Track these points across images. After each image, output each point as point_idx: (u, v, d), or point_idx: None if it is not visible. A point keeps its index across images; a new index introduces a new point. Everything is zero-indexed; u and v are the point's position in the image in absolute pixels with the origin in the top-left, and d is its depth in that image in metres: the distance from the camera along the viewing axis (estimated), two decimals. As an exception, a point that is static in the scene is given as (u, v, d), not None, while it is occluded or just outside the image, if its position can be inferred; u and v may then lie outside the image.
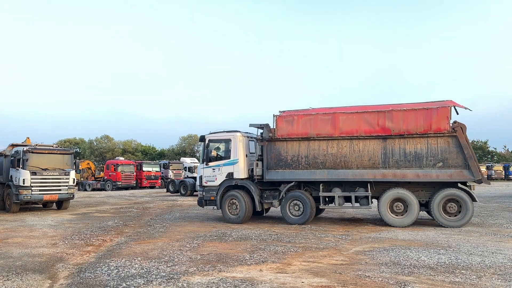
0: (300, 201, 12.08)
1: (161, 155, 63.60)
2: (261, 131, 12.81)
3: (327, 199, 12.22)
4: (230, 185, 12.75)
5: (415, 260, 7.18)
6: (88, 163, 43.78)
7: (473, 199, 10.89)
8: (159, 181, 40.79)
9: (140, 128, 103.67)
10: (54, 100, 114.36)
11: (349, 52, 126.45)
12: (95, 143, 65.35)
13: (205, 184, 13.27)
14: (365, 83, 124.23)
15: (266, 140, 12.51)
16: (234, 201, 12.68)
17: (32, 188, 16.65)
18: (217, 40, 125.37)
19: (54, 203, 18.61)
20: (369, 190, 11.53)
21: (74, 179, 18.00)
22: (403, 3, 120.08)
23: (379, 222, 12.36)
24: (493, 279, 5.94)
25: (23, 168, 16.66)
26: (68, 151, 18.73)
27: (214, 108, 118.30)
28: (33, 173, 16.73)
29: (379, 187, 11.72)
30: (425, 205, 11.53)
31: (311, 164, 12.02)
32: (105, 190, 37.24)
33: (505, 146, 70.54)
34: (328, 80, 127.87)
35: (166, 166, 42.21)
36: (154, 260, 7.43)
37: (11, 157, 17.49)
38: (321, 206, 12.24)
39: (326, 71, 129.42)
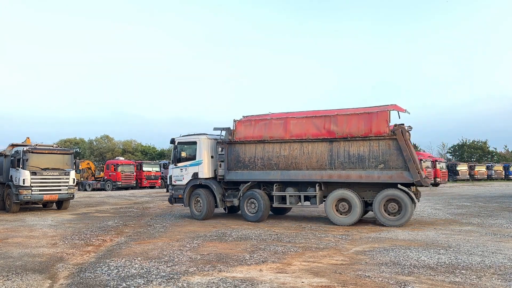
0: (256, 200, 12.80)
1: (161, 155, 63.58)
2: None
3: (281, 198, 12.89)
4: (195, 184, 13.72)
5: (415, 260, 7.19)
6: (88, 163, 43.79)
7: (413, 200, 11.13)
8: (159, 181, 40.79)
9: (140, 128, 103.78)
10: (54, 100, 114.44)
11: (349, 52, 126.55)
12: (95, 143, 65.36)
13: (174, 183, 14.32)
14: (365, 83, 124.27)
15: (227, 143, 13.36)
16: (198, 199, 13.67)
17: (32, 188, 16.66)
18: (217, 41, 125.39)
19: (54, 203, 18.61)
20: (317, 190, 12.10)
21: (74, 179, 18.02)
22: (403, 2, 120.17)
23: (379, 222, 12.38)
24: (493, 279, 5.94)
25: (23, 168, 16.66)
26: (68, 151, 18.74)
27: (214, 108, 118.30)
28: (33, 173, 16.74)
29: (327, 187, 12.25)
30: (370, 205, 11.86)
31: (266, 165, 12.79)
32: (105, 190, 37.26)
33: (505, 146, 70.70)
34: (328, 80, 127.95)
35: (166, 166, 42.21)
36: (154, 260, 7.43)
37: (11, 157, 17.50)
38: (274, 205, 12.96)
39: (328, 70, 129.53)
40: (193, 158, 13.84)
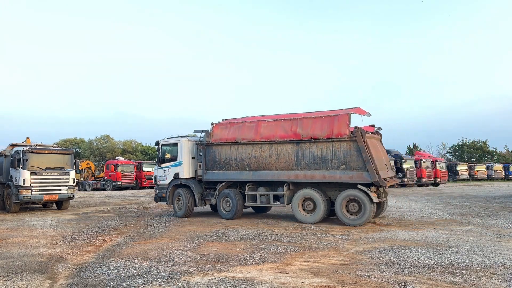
0: (230, 199, 13.52)
1: (161, 155, 63.39)
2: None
3: (253, 197, 13.47)
4: (177, 184, 14.48)
5: (415, 260, 7.18)
6: (88, 163, 43.79)
7: (371, 200, 11.32)
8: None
9: (140, 128, 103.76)
10: (54, 100, 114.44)
11: (349, 53, 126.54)
12: (95, 143, 65.35)
13: (158, 183, 15.22)
14: (365, 83, 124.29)
15: (204, 145, 14.04)
16: (180, 198, 14.44)
17: (32, 188, 16.66)
18: (217, 40, 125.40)
19: (54, 203, 18.62)
20: (285, 190, 12.59)
21: (74, 179, 18.02)
22: (403, 2, 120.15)
23: (379, 222, 12.37)
24: (493, 279, 5.94)
25: (23, 168, 16.66)
26: (68, 151, 18.74)
27: (214, 108, 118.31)
28: (33, 173, 16.74)
29: (295, 187, 12.68)
30: (333, 204, 12.24)
31: (239, 166, 13.38)
32: (105, 190, 37.25)
33: (505, 146, 70.64)
34: (328, 80, 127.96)
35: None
36: (154, 260, 7.43)
37: (11, 157, 17.50)
38: (246, 204, 13.58)
39: (328, 70, 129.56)
40: (175, 159, 14.57)
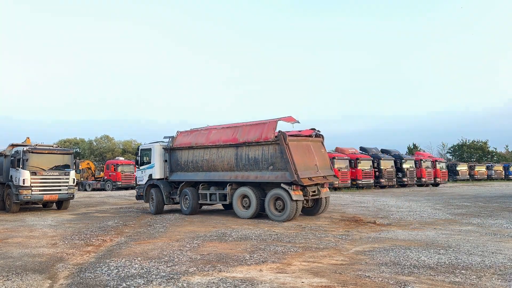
0: (188, 197, 15.09)
1: (161, 155, 63.36)
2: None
3: (204, 195, 14.86)
4: (151, 184, 16.23)
5: (415, 260, 7.18)
6: (88, 163, 43.78)
7: (291, 198, 12.32)
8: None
9: (140, 128, 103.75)
10: (54, 100, 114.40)
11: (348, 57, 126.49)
12: (95, 143, 65.33)
13: (138, 183, 17.22)
14: (365, 84, 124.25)
15: (169, 149, 15.84)
16: (152, 196, 16.06)
17: (32, 188, 16.67)
18: (217, 40, 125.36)
19: (54, 203, 18.62)
20: (228, 189, 13.93)
21: (74, 179, 18.02)
22: (404, 1, 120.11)
23: (379, 222, 12.38)
24: (493, 279, 5.94)
25: (23, 168, 16.66)
26: (68, 151, 18.73)
27: (214, 108, 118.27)
28: (33, 173, 16.74)
29: (236, 186, 13.96)
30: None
31: (195, 167, 15.04)
32: (105, 190, 37.25)
33: (506, 146, 70.62)
34: (328, 80, 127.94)
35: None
36: (154, 260, 7.43)
37: (11, 157, 17.49)
38: (200, 202, 15.01)
39: (328, 69, 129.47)
40: (149, 162, 16.52)
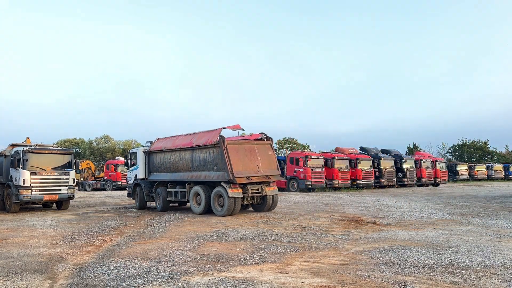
0: (160, 195, 16.91)
1: (161, 155, 63.30)
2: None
3: (171, 194, 16.47)
4: (136, 183, 18.35)
5: (415, 260, 7.18)
6: (88, 163, 43.75)
7: (228, 195, 13.88)
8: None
9: (140, 128, 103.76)
10: (54, 100, 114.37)
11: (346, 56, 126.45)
12: (95, 143, 65.32)
13: (128, 182, 19.63)
14: (364, 83, 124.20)
15: (148, 153, 17.89)
16: (137, 194, 18.28)
17: (32, 188, 16.66)
18: (217, 39, 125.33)
19: (54, 203, 18.61)
20: (187, 188, 15.64)
21: (74, 179, 18.01)
22: (404, 1, 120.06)
23: (379, 222, 12.38)
24: (493, 279, 5.94)
25: (23, 168, 16.66)
26: (68, 151, 18.72)
27: (214, 108, 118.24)
28: (33, 173, 16.73)
29: (193, 185, 15.53)
30: None
31: (165, 169, 16.87)
32: (105, 190, 37.24)
33: (506, 146, 70.58)
34: (326, 79, 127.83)
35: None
36: (154, 260, 7.43)
37: (11, 157, 17.48)
38: (168, 199, 16.64)
39: (326, 69, 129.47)
40: (135, 164, 18.68)
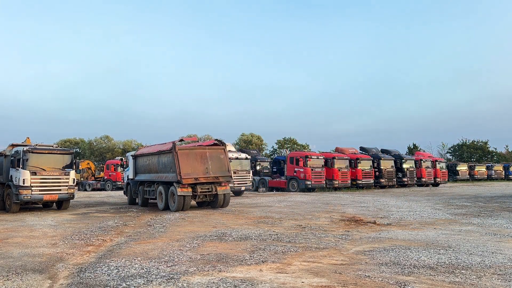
0: (140, 193, 19.73)
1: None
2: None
3: (146, 192, 19.10)
4: (127, 182, 21.51)
5: (415, 260, 7.18)
6: (88, 163, 43.75)
7: (177, 194, 16.15)
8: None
9: (140, 128, 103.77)
10: (54, 100, 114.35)
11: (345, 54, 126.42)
12: (95, 143, 65.32)
13: (124, 181, 23.37)
14: (364, 82, 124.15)
15: (134, 156, 20.60)
16: (128, 191, 21.29)
17: (32, 188, 16.63)
18: (217, 40, 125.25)
19: (54, 203, 18.60)
20: (155, 187, 17.93)
21: (74, 179, 17.99)
22: (402, 1, 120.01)
23: (379, 222, 12.38)
24: (493, 279, 5.94)
25: (23, 168, 16.64)
26: (68, 151, 18.70)
27: (213, 108, 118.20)
28: (33, 173, 16.72)
29: (160, 185, 17.65)
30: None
31: (144, 170, 19.48)
32: (105, 190, 37.23)
33: (506, 146, 70.59)
34: (324, 79, 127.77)
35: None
36: (154, 260, 7.43)
37: (11, 157, 17.47)
38: (145, 196, 19.24)
39: (325, 69, 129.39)
40: (127, 166, 22.07)
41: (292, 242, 9.13)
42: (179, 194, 16.03)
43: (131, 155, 21.00)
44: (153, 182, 18.42)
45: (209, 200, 17.31)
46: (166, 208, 16.97)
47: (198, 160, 16.58)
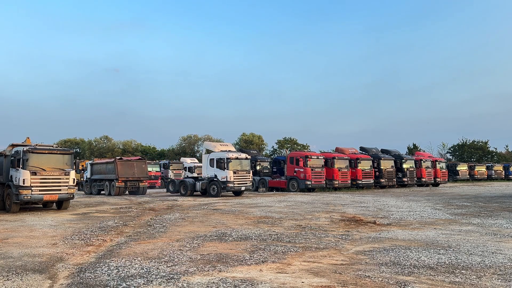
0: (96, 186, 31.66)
1: (161, 155, 63.50)
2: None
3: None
4: (86, 180, 32.53)
5: (415, 260, 7.18)
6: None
7: (115, 186, 28.23)
8: (159, 181, 40.77)
9: (140, 128, 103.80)
10: (54, 100, 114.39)
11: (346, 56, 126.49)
12: (94, 143, 65.30)
13: (84, 180, 34.06)
14: (363, 82, 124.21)
15: (92, 164, 31.81)
16: (88, 186, 33.09)
17: (32, 188, 16.61)
18: (217, 39, 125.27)
19: (54, 203, 18.59)
20: (104, 182, 29.79)
21: (74, 179, 17.98)
22: (402, 2, 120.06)
23: (379, 222, 12.38)
24: (493, 279, 5.94)
25: (23, 168, 16.63)
26: (68, 151, 18.68)
27: (214, 109, 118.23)
28: (33, 173, 16.71)
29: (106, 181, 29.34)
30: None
31: (97, 172, 30.95)
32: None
33: (506, 146, 70.59)
34: (323, 78, 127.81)
35: (166, 166, 42.21)
36: (154, 260, 7.43)
37: (11, 157, 17.45)
38: (97, 188, 30.73)
39: (324, 68, 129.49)
40: (87, 170, 33.81)
41: (292, 242, 9.13)
42: (117, 186, 28.43)
43: (89, 163, 32.79)
44: (102, 180, 30.00)
45: (134, 190, 29.45)
46: (109, 194, 28.79)
47: (129, 167, 29.13)
